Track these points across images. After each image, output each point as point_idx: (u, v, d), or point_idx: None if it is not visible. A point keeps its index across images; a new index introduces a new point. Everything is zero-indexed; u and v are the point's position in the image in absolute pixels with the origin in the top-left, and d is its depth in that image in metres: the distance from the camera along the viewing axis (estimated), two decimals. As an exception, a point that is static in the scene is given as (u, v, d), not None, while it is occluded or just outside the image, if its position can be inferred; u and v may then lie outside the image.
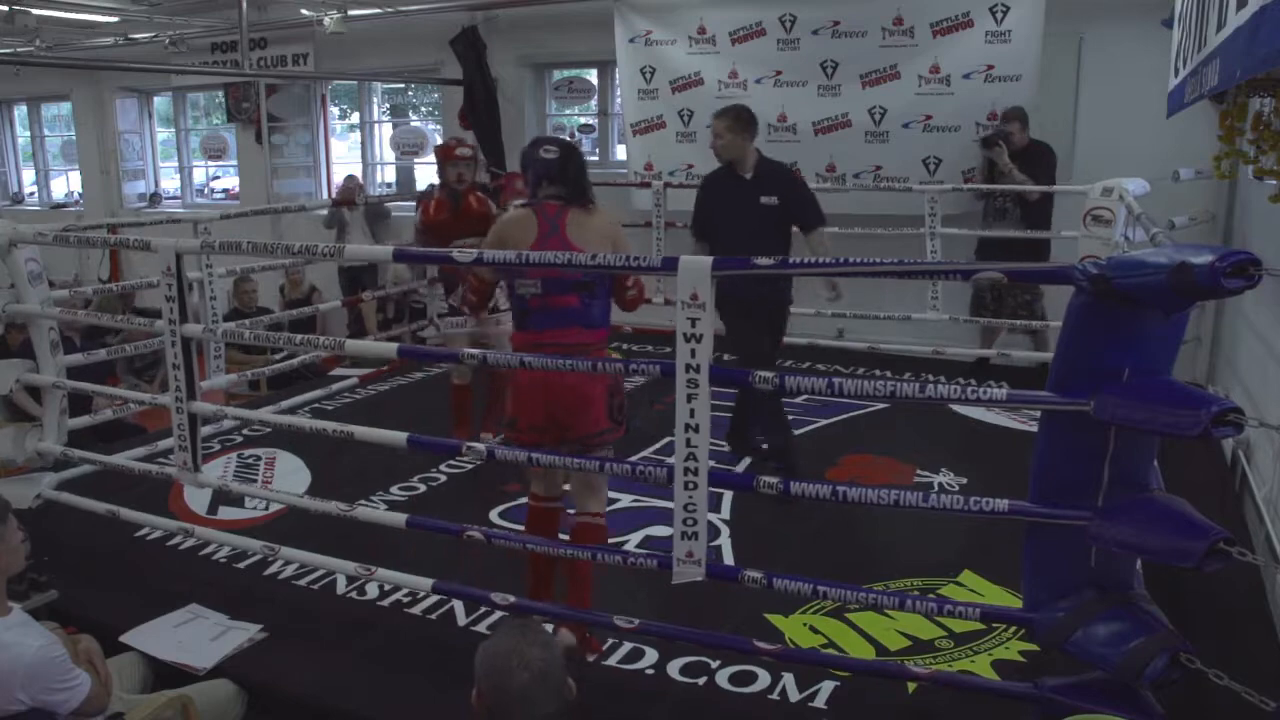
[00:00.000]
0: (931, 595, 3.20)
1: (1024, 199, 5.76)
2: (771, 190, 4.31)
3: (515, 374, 3.03)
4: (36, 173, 12.52)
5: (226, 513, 4.11)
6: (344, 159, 10.04)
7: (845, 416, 5.25)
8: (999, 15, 6.06)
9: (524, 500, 4.14)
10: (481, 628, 3.13)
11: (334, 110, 10.22)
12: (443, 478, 4.48)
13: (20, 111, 12.43)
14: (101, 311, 5.50)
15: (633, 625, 2.74)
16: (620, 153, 8.07)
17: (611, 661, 2.96)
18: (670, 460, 2.54)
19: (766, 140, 6.78)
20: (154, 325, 3.46)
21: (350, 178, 8.76)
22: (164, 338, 3.32)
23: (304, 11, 8.32)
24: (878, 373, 5.97)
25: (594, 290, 2.94)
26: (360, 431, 3.18)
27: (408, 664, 2.97)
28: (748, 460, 4.62)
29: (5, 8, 7.48)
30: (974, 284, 5.84)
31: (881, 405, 5.20)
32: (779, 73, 6.74)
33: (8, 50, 8.87)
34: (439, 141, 8.98)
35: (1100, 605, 2.16)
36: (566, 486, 3.17)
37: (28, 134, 12.49)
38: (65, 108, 11.74)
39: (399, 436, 3.06)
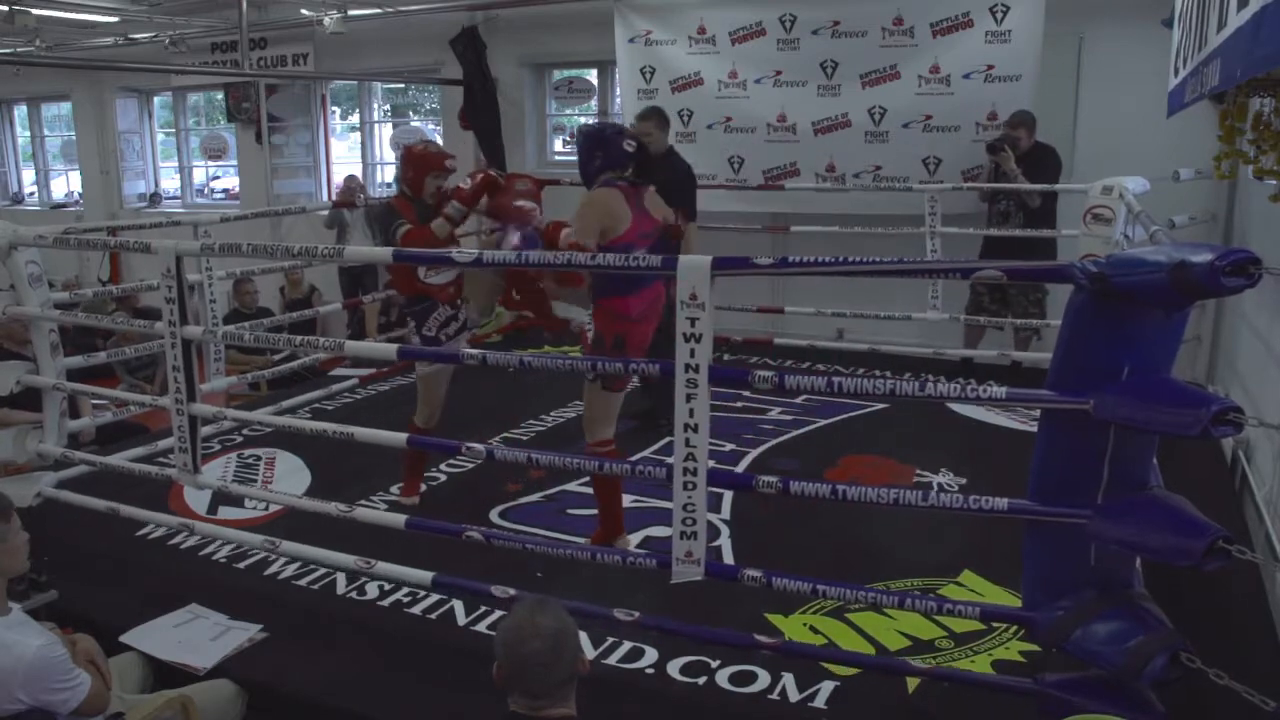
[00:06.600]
0: (931, 595, 3.20)
1: (1025, 203, 5.72)
2: None
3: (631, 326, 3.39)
4: (36, 173, 12.52)
5: (226, 512, 4.10)
6: (344, 159, 10.04)
7: (845, 416, 5.25)
8: (999, 15, 6.06)
9: (524, 500, 4.18)
10: (482, 627, 3.13)
11: (334, 110, 10.22)
12: (443, 478, 4.48)
13: (20, 111, 12.42)
14: (92, 312, 5.50)
15: (632, 618, 2.74)
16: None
17: (611, 660, 2.95)
18: (670, 460, 2.54)
19: (766, 140, 6.82)
20: (154, 327, 3.46)
21: (351, 178, 8.76)
22: (164, 340, 3.32)
23: (304, 11, 8.31)
24: (877, 373, 5.97)
25: None
26: (360, 432, 3.19)
27: (408, 664, 2.96)
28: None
29: (5, 8, 7.47)
30: (972, 284, 5.82)
31: (881, 405, 5.21)
32: (779, 73, 6.73)
33: (8, 50, 8.87)
34: (439, 142, 9.02)
35: (1100, 604, 2.16)
36: None
37: (28, 134, 12.48)
38: (65, 108, 11.73)
39: (399, 437, 3.06)
